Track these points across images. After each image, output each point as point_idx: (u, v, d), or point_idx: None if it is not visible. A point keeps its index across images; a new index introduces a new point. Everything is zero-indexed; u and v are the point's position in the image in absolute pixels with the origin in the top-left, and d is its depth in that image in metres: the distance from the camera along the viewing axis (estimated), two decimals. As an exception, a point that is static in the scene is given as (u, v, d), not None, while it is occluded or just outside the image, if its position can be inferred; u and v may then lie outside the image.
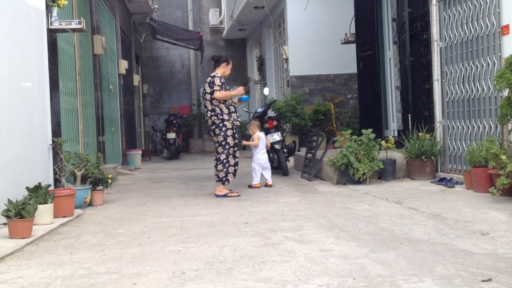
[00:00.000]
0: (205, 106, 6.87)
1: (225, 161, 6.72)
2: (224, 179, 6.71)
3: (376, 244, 3.77)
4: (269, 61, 15.90)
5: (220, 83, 6.73)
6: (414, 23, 8.22)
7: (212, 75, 6.87)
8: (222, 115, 6.71)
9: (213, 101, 6.74)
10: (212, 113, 6.74)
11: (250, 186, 7.57)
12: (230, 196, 6.62)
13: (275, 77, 15.72)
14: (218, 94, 6.67)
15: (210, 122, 6.81)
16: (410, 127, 8.15)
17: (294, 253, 3.61)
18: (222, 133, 6.71)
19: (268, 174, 7.71)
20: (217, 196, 6.66)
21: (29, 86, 5.71)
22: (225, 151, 6.73)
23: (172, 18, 19.20)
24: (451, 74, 7.09)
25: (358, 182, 7.09)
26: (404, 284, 2.85)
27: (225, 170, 6.71)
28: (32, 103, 5.80)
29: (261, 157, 7.69)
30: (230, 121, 6.74)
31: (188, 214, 5.47)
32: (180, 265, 3.44)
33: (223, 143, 6.73)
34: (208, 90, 6.76)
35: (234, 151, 6.79)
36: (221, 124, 6.72)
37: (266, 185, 7.65)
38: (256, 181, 7.59)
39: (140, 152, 12.87)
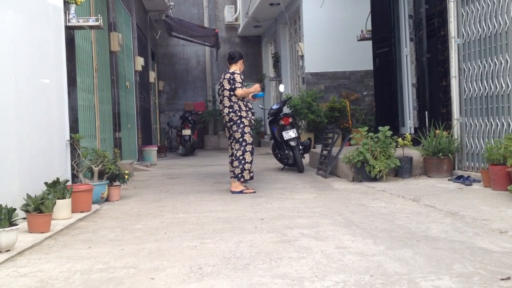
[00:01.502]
0: (222, 103, 6.89)
1: (241, 157, 6.74)
2: (239, 175, 6.73)
3: (393, 242, 3.75)
4: (284, 58, 15.89)
5: (240, 80, 6.76)
6: (431, 20, 8.15)
7: (231, 71, 6.87)
8: (241, 112, 6.74)
9: (231, 98, 6.76)
10: (230, 110, 6.76)
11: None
12: (246, 193, 6.63)
13: (290, 74, 15.71)
14: (239, 92, 6.70)
15: (227, 118, 6.82)
16: (427, 125, 8.09)
17: (311, 250, 3.61)
18: (240, 130, 6.73)
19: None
20: (233, 192, 6.68)
21: (47, 82, 5.76)
22: (242, 148, 6.75)
23: (188, 15, 19.27)
24: (469, 71, 7.02)
25: (374, 179, 7.06)
26: (422, 282, 2.84)
27: (241, 166, 6.73)
28: (50, 100, 5.86)
29: None
30: (248, 118, 6.77)
31: (204, 210, 5.49)
32: (197, 261, 3.46)
33: (240, 139, 6.75)
34: (227, 86, 6.78)
35: (252, 148, 6.82)
36: (239, 121, 6.74)
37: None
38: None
39: (156, 148, 12.95)
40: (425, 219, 4.52)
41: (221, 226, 4.60)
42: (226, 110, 6.82)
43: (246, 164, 6.77)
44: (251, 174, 6.85)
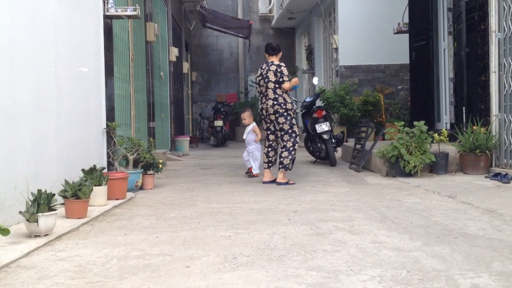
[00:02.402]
0: (264, 94, 6.84)
1: (291, 148, 6.76)
2: (287, 165, 6.74)
3: (430, 238, 3.70)
4: (318, 50, 15.77)
5: (287, 73, 6.80)
6: (471, 13, 7.97)
7: (276, 63, 6.85)
8: (286, 105, 6.75)
9: (276, 90, 6.75)
10: (275, 102, 6.74)
11: (251, 175, 7.68)
12: (291, 184, 6.66)
13: (323, 66, 15.59)
14: (287, 85, 6.74)
15: (271, 110, 6.78)
16: (464, 120, 7.94)
17: (345, 244, 3.59)
18: (288, 122, 6.76)
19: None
20: (278, 184, 6.67)
21: (85, 71, 5.85)
22: (292, 139, 6.77)
23: (222, 6, 19.28)
24: (509, 66, 6.85)
25: (409, 174, 6.96)
26: (461, 279, 2.79)
27: (290, 157, 6.75)
28: (88, 88, 5.95)
29: (257, 145, 7.88)
30: (293, 110, 6.78)
31: (237, 201, 5.51)
32: (231, 250, 3.47)
33: (290, 131, 6.77)
34: (272, 78, 6.75)
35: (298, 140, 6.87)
36: (285, 113, 6.75)
37: (251, 173, 7.77)
38: (257, 170, 7.75)
39: (188, 138, 13.05)
40: (462, 216, 4.44)
41: (254, 217, 4.61)
42: (270, 102, 6.77)
43: (295, 155, 6.80)
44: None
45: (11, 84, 4.21)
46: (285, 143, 6.78)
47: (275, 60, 6.93)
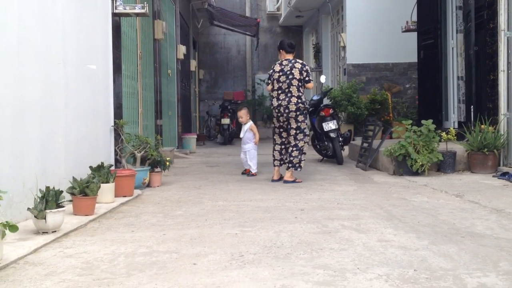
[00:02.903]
0: (284, 91, 6.75)
1: (301, 148, 6.77)
2: (297, 165, 6.74)
3: (437, 237, 3.69)
4: (325, 48, 15.75)
5: (310, 73, 6.79)
6: (480, 12, 7.93)
7: (300, 61, 6.86)
8: (306, 104, 6.84)
9: (300, 88, 6.75)
10: (299, 100, 6.72)
11: (250, 174, 7.63)
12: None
13: (331, 65, 15.56)
14: (312, 85, 6.81)
15: (294, 108, 6.72)
16: (472, 119, 7.90)
17: (352, 242, 3.59)
18: (306, 121, 6.82)
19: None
20: (286, 182, 6.66)
21: (94, 68, 5.87)
22: (304, 139, 6.80)
23: (230, 4, 19.27)
24: (519, 65, 6.81)
25: (416, 173, 6.94)
26: (468, 278, 2.78)
27: (299, 156, 6.75)
28: (96, 85, 5.97)
29: (255, 145, 7.84)
30: (306, 111, 6.83)
31: (244, 199, 5.51)
32: (238, 248, 3.48)
33: (305, 130, 6.80)
34: (297, 76, 6.72)
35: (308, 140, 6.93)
36: (305, 112, 6.81)
37: (251, 172, 7.72)
38: (255, 169, 7.70)
39: (195, 136, 13.06)
40: (470, 215, 4.42)
41: (261, 215, 4.62)
42: (294, 100, 6.71)
43: (303, 155, 6.82)
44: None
45: (20, 82, 4.24)
46: (297, 141, 6.76)
47: (291, 57, 6.92)
